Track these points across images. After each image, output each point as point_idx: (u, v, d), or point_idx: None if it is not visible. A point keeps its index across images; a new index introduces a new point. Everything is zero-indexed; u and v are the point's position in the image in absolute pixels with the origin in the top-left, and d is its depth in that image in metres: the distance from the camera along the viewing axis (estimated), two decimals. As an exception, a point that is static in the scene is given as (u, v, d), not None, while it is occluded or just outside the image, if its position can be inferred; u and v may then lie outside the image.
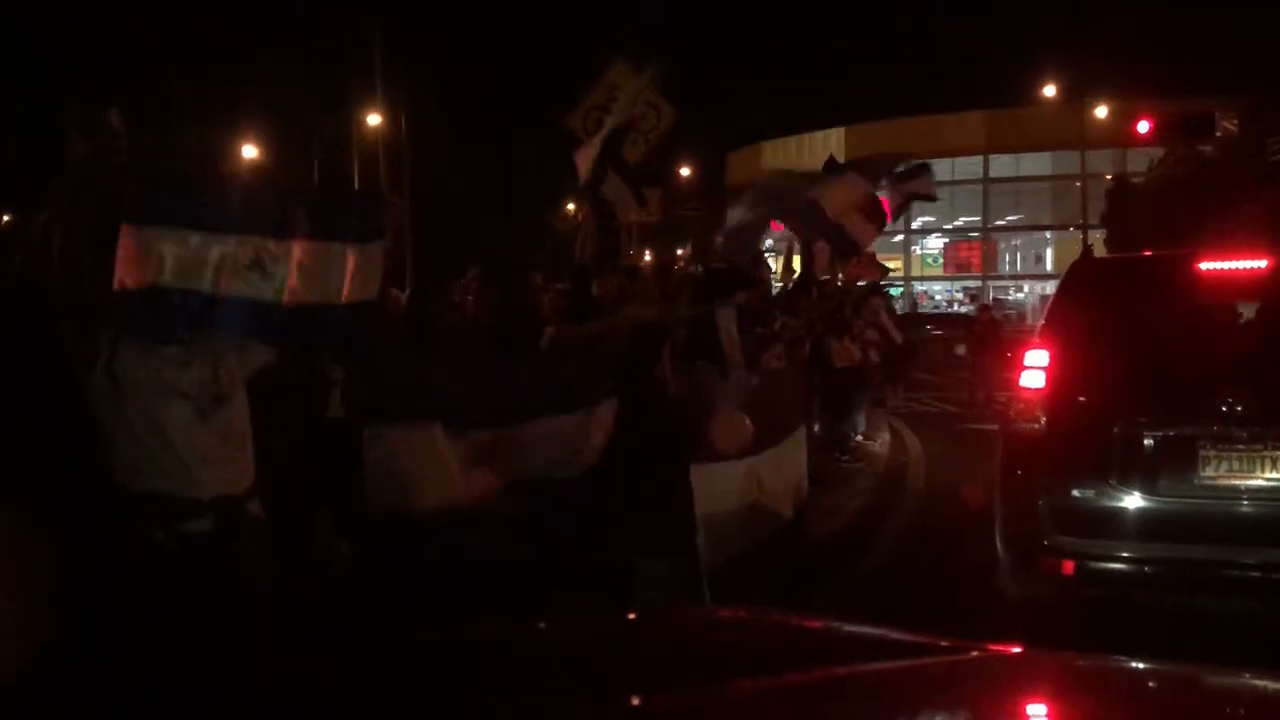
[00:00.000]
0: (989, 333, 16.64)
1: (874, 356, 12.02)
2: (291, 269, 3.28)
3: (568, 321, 5.68)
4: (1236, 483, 5.10)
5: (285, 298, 3.28)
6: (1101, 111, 35.58)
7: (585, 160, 7.37)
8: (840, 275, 12.87)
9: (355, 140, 31.21)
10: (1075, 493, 5.31)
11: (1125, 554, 5.23)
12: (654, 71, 8.04)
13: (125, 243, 3.08)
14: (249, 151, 31.29)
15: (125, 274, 3.07)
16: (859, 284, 12.85)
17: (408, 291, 7.49)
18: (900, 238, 53.65)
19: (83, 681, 2.86)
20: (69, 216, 3.16)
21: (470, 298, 5.71)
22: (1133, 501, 5.18)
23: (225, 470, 3.29)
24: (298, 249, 3.30)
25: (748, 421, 5.31)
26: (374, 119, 30.56)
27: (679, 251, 28.37)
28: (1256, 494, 5.08)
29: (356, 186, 30.45)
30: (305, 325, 3.37)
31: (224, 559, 3.24)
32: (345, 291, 3.39)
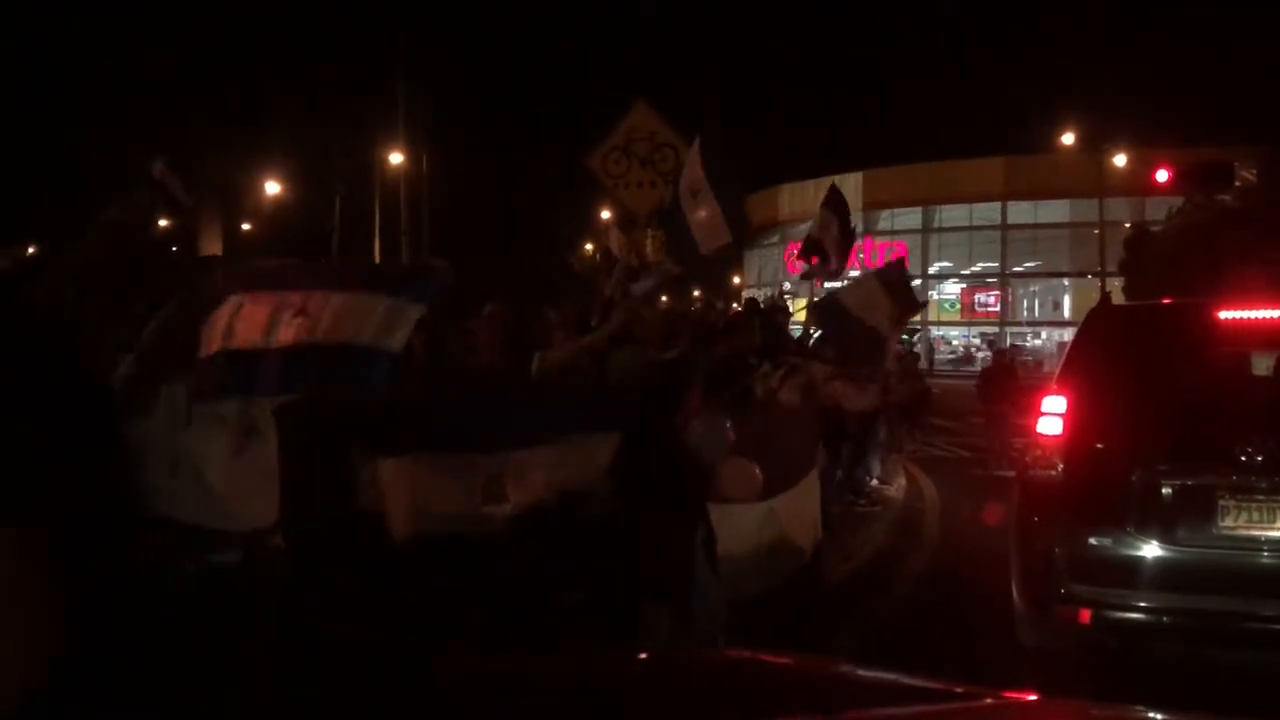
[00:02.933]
0: (1004, 378, 16.37)
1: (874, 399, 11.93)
2: (325, 314, 3.41)
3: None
4: (1256, 533, 5.04)
5: (318, 337, 3.40)
6: (1120, 160, 35.66)
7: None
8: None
9: (377, 178, 31.49)
10: (1092, 541, 5.26)
11: (1142, 604, 5.17)
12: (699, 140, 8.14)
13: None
14: (272, 188, 31.64)
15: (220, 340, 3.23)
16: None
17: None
18: (917, 282, 53.68)
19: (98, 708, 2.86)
20: (90, 268, 3.21)
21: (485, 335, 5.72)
22: (1150, 551, 5.13)
23: (255, 504, 3.30)
24: (334, 298, 3.45)
25: (757, 470, 5.28)
26: (396, 157, 30.85)
27: (695, 293, 28.43)
28: (1276, 545, 5.02)
29: (377, 223, 30.79)
30: (326, 362, 3.45)
31: (249, 591, 3.24)
32: (366, 334, 3.48)
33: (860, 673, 2.11)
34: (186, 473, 3.20)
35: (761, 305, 12.05)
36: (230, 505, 3.23)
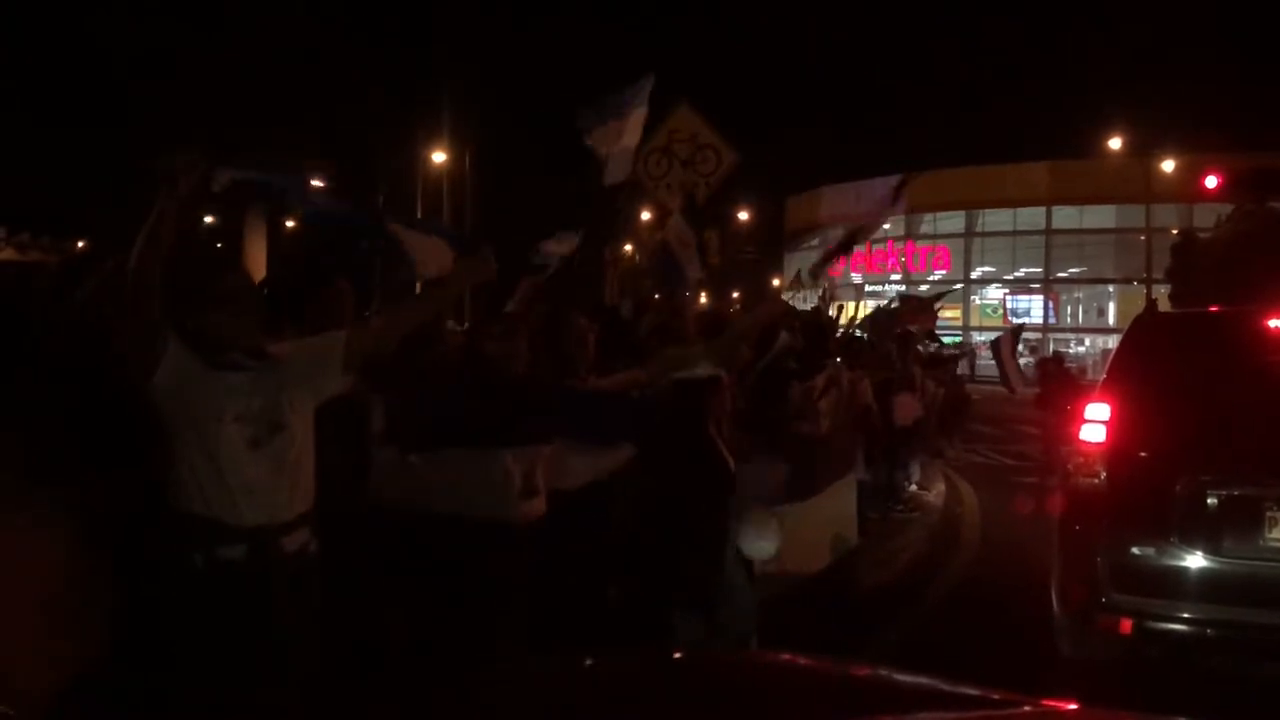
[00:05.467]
0: (1058, 384, 15.74)
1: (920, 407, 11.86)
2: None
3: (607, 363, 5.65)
4: (1304, 546, 4.95)
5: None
6: (1168, 165, 35.18)
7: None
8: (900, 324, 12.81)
9: (420, 176, 31.71)
10: (1135, 550, 5.19)
11: (1186, 615, 5.10)
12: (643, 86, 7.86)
13: None
14: (315, 185, 31.95)
15: None
16: (913, 329, 12.79)
17: (465, 325, 7.51)
18: (959, 287, 53.28)
19: (109, 700, 2.89)
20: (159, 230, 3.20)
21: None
22: (1194, 561, 5.05)
23: (270, 500, 3.27)
24: None
25: (776, 525, 5.27)
26: (439, 156, 31.05)
27: (734, 295, 28.38)
28: (1325, 559, 4.93)
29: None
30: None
31: (255, 588, 3.22)
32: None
33: (897, 678, 2.09)
34: (203, 462, 3.20)
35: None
36: (239, 499, 3.21)
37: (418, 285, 5.58)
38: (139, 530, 3.21)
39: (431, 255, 4.23)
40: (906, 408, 10.50)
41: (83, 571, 3.02)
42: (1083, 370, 29.12)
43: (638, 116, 7.42)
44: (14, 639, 2.78)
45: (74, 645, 2.95)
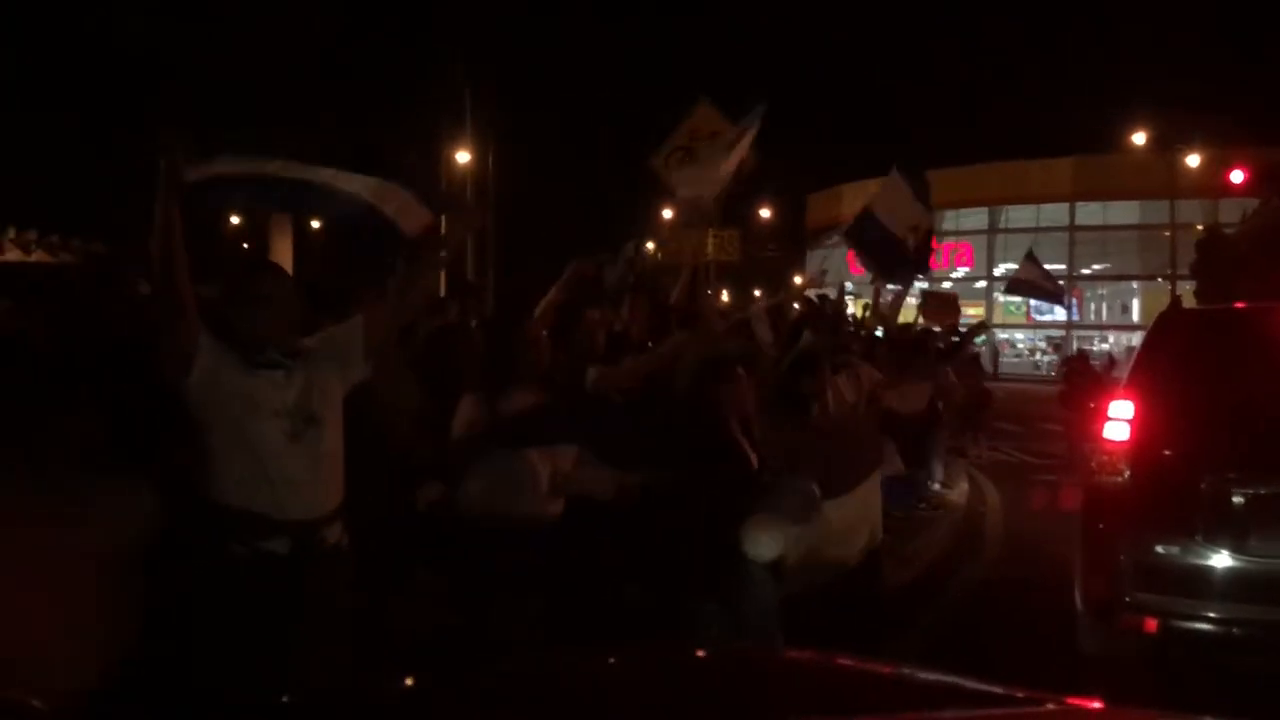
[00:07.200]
0: (1084, 383, 15.62)
1: (940, 406, 11.76)
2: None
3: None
4: (1331, 545, 4.92)
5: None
6: (1193, 160, 34.86)
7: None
8: (920, 319, 12.74)
9: (443, 175, 31.75)
10: (1159, 549, 5.17)
11: (1211, 614, 5.07)
12: (758, 111, 8.03)
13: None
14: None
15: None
16: (936, 329, 12.70)
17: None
18: (982, 284, 52.92)
19: (149, 693, 2.92)
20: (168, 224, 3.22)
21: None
22: (1220, 560, 5.03)
23: (309, 492, 3.30)
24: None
25: (778, 525, 5.23)
26: (463, 156, 31.08)
27: (756, 293, 28.33)
28: (1352, 557, 4.89)
29: (443, 221, 31.13)
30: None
31: (297, 581, 3.25)
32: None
33: (921, 676, 2.09)
34: (244, 457, 3.23)
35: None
36: (280, 492, 3.24)
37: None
38: (172, 525, 3.25)
39: (406, 213, 4.25)
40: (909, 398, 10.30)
41: (117, 568, 3.05)
42: (1091, 367, 28.88)
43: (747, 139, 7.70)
44: (46, 634, 2.81)
45: (106, 641, 2.98)
